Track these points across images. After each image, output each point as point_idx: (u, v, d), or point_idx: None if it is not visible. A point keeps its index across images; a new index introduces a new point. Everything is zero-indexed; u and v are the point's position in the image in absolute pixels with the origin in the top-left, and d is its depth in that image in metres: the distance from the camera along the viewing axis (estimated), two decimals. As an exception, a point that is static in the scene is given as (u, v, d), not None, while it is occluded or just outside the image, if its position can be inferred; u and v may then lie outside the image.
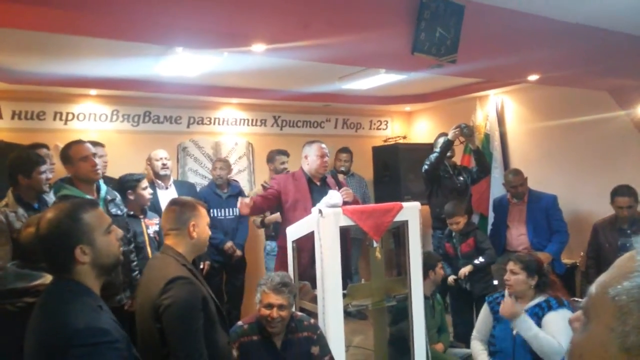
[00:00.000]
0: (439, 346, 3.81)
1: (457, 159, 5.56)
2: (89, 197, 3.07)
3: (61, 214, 1.63)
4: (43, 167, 3.15)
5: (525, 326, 2.89)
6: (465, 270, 4.25)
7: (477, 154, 4.91)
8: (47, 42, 3.63)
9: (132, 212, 3.79)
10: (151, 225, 3.89)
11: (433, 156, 4.73)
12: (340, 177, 5.07)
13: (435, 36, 3.07)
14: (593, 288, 0.65)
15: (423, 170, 4.83)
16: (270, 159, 5.59)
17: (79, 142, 3.28)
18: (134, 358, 1.65)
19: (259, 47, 2.86)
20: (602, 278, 0.64)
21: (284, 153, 5.57)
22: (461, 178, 4.91)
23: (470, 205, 5.11)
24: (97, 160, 3.27)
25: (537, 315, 2.98)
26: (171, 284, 1.99)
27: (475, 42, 3.30)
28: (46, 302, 1.61)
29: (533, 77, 4.19)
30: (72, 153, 3.19)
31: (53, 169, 3.76)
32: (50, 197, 3.26)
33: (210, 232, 2.35)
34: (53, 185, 3.31)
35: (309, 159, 3.91)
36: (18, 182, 3.10)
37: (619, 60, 3.97)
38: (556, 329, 2.87)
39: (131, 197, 3.85)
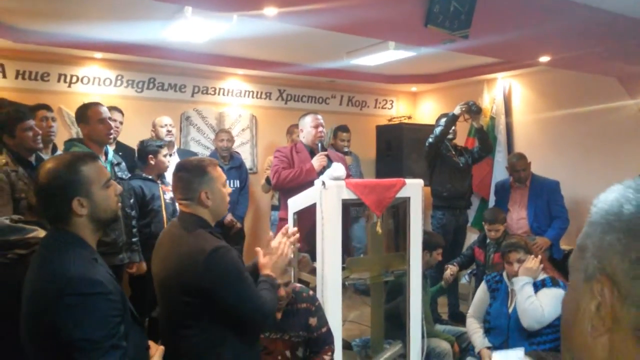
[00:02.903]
0: None
1: (462, 141, 5.53)
2: None
3: (60, 164, 1.61)
4: (28, 123, 3.02)
5: (527, 288, 3.04)
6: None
7: (481, 132, 4.89)
8: (55, 1, 3.58)
9: (150, 177, 3.89)
10: (167, 192, 3.92)
11: (438, 129, 4.71)
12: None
13: (449, 9, 3.02)
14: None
15: (427, 144, 4.81)
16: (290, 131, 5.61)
17: (98, 104, 3.33)
18: (129, 313, 1.65)
19: (270, 11, 2.82)
20: None
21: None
22: (462, 158, 4.92)
23: (470, 186, 5.10)
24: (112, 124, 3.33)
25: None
26: (213, 254, 1.89)
27: (489, 18, 3.25)
28: (42, 252, 1.61)
29: (544, 59, 4.13)
30: (90, 113, 3.23)
31: (55, 131, 3.74)
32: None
33: (229, 189, 2.21)
34: (65, 144, 3.35)
35: (305, 130, 3.98)
36: (6, 143, 3.01)
37: (631, 46, 3.92)
38: (545, 302, 3.00)
39: (152, 162, 3.92)
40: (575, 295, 0.61)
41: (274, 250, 2.15)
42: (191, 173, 2.07)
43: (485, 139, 4.90)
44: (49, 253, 1.58)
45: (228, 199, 2.18)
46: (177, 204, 2.22)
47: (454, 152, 4.90)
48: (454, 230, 4.89)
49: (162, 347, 1.79)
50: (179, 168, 2.14)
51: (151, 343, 1.80)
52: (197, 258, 1.88)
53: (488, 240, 4.32)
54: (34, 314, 1.51)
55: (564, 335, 0.63)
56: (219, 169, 2.15)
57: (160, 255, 2.10)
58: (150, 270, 2.18)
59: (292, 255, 2.25)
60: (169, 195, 3.91)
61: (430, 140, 4.75)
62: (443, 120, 4.75)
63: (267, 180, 5.16)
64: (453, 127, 4.81)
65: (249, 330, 2.08)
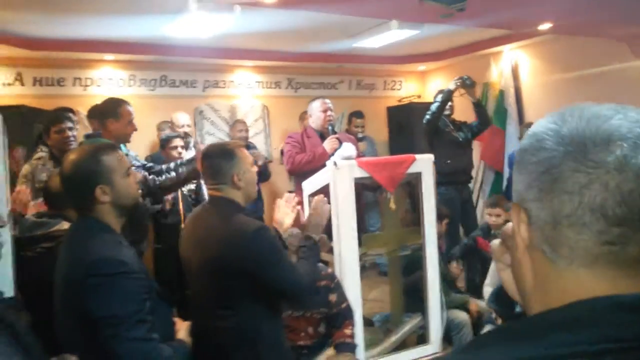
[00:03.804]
0: None
1: (460, 116, 5.52)
2: None
3: (83, 155, 1.74)
4: (62, 125, 3.37)
5: None
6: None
7: (478, 106, 4.90)
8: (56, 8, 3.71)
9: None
10: None
11: (434, 106, 4.74)
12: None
13: (443, -17, 3.06)
14: None
15: (424, 121, 4.84)
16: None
17: (128, 104, 3.33)
18: (156, 293, 1.74)
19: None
20: None
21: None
22: (461, 133, 4.93)
23: (471, 160, 5.13)
24: None
25: None
26: (256, 234, 1.95)
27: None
28: (70, 239, 1.74)
29: (546, 26, 4.14)
30: (122, 112, 3.24)
31: (76, 134, 3.90)
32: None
33: (256, 168, 2.27)
34: (83, 140, 3.48)
35: (314, 115, 4.06)
36: (44, 142, 3.38)
37: (636, 7, 3.91)
38: None
39: (163, 154, 4.15)
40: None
41: (277, 209, 2.26)
42: (220, 157, 2.10)
43: (482, 112, 4.91)
44: (76, 239, 1.70)
45: (257, 178, 2.24)
46: (205, 191, 2.26)
47: (452, 128, 4.91)
48: (460, 204, 4.93)
49: (187, 323, 1.90)
50: (206, 155, 2.17)
51: (177, 319, 1.92)
52: (240, 240, 1.94)
53: (493, 231, 4.11)
54: (64, 297, 1.63)
55: (511, 267, 0.70)
56: (245, 150, 2.19)
57: (193, 240, 2.13)
58: (174, 255, 2.27)
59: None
60: (187, 187, 4.02)
61: (428, 116, 4.77)
62: (440, 96, 4.78)
63: (282, 152, 5.23)
64: (450, 103, 4.84)
65: (285, 306, 2.17)
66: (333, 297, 2.82)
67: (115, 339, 1.51)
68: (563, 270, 0.59)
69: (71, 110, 3.97)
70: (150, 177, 3.11)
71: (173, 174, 3.10)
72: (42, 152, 3.38)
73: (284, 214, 2.25)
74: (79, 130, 3.93)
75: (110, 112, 3.32)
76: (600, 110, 0.60)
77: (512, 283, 0.70)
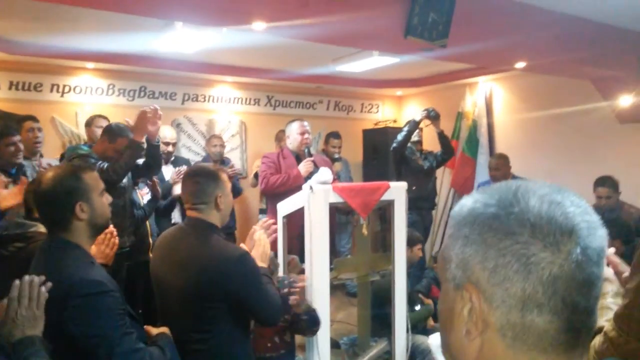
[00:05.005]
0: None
1: (429, 145, 5.69)
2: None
3: (64, 172, 1.77)
4: (11, 139, 3.32)
5: None
6: None
7: (442, 137, 5.09)
8: (47, 13, 3.69)
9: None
10: (144, 195, 4.03)
11: (401, 135, 4.95)
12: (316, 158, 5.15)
13: (428, 21, 3.18)
14: None
15: (391, 149, 5.05)
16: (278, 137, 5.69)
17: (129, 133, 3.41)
18: (128, 312, 1.75)
19: (259, 25, 2.96)
20: None
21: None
22: (427, 162, 5.14)
23: (435, 188, 5.34)
24: None
25: None
26: (241, 259, 2.04)
27: (465, 27, 3.41)
28: (42, 259, 1.72)
29: (520, 64, 4.31)
30: (121, 140, 3.38)
31: (41, 141, 3.90)
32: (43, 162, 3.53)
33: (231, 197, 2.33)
34: (67, 149, 3.47)
35: (291, 137, 4.10)
36: None
37: (603, 51, 4.11)
38: None
39: None
40: (448, 303, 0.67)
41: (257, 242, 2.34)
42: (206, 177, 2.17)
43: (446, 143, 5.12)
44: (49, 261, 1.70)
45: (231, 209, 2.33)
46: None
47: (418, 156, 5.15)
48: (422, 229, 5.06)
49: (164, 327, 1.93)
50: (196, 173, 2.23)
51: (146, 327, 1.93)
52: (225, 265, 2.01)
53: None
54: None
55: (443, 340, 0.70)
56: (226, 175, 2.27)
57: (170, 261, 2.14)
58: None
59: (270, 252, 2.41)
60: (146, 198, 4.02)
61: (395, 145, 4.98)
62: (407, 126, 4.97)
63: (256, 175, 5.29)
64: (419, 132, 5.06)
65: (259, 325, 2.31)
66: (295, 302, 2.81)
67: (112, 357, 1.56)
68: (518, 354, 0.60)
69: (33, 118, 3.94)
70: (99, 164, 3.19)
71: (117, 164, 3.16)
72: None
73: (261, 246, 2.35)
74: (42, 138, 3.91)
75: (110, 134, 3.47)
76: (550, 193, 0.63)
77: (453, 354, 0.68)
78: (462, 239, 0.63)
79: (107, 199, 1.87)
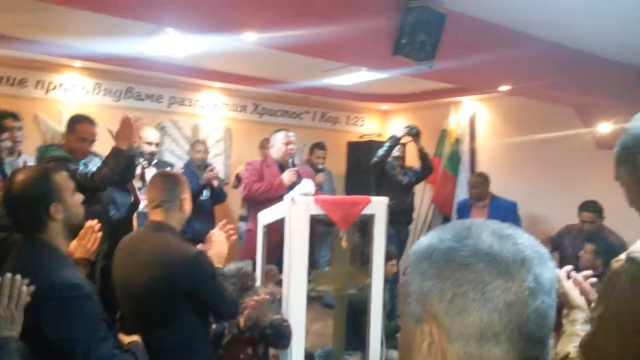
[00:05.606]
0: None
1: (411, 162, 5.76)
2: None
3: (34, 174, 1.75)
4: None
5: None
6: None
7: (422, 154, 5.16)
8: (36, 15, 3.66)
9: None
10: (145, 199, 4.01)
11: (381, 150, 5.03)
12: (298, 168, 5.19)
13: (416, 41, 3.23)
14: None
15: (371, 163, 5.13)
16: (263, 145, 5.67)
17: (92, 123, 3.40)
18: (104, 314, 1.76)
19: (249, 36, 2.98)
20: None
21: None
22: (406, 177, 5.24)
23: (412, 203, 5.44)
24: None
25: None
26: (198, 258, 2.12)
27: (453, 50, 3.47)
28: (19, 261, 1.68)
29: (504, 87, 4.40)
30: (79, 128, 3.33)
31: (21, 140, 3.82)
32: (17, 163, 3.41)
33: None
34: (38, 149, 3.40)
35: (276, 146, 4.14)
36: None
37: (584, 79, 4.21)
38: None
39: None
40: (408, 338, 0.68)
41: (214, 243, 2.45)
42: (175, 179, 2.31)
43: (425, 160, 5.20)
44: (27, 262, 1.65)
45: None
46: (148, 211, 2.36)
47: (398, 171, 5.23)
48: (397, 243, 5.11)
49: (136, 336, 1.93)
50: (163, 174, 2.38)
51: (121, 335, 1.93)
52: (184, 263, 2.09)
53: None
54: None
55: None
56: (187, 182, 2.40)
57: (133, 262, 2.19)
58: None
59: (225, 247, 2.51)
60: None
61: (375, 159, 5.06)
62: (389, 142, 5.03)
63: (237, 177, 5.30)
64: (401, 147, 5.18)
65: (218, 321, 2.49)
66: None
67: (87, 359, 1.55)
68: None
69: (13, 115, 3.86)
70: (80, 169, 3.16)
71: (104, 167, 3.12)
72: None
73: (217, 246, 2.44)
74: (21, 137, 3.82)
75: (69, 126, 3.38)
76: (501, 228, 0.66)
77: None
78: (420, 274, 0.66)
79: (79, 197, 1.87)
